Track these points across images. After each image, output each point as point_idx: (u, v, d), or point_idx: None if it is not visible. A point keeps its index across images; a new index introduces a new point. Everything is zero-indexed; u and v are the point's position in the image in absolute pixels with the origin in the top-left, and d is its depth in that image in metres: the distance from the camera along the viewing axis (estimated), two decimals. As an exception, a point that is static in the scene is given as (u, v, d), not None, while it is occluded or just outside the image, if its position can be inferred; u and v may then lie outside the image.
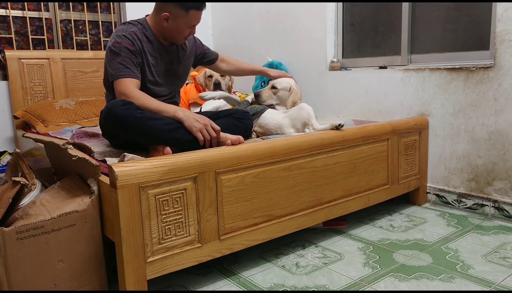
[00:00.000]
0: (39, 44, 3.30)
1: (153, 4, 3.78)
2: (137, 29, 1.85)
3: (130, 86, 1.74)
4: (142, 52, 1.84)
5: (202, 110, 2.42)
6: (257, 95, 2.25)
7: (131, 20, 1.91)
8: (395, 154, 2.18)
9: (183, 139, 1.66)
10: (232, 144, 1.64)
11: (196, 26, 1.91)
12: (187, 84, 3.06)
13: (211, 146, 1.68)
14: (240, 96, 2.55)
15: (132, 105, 1.64)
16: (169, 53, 1.96)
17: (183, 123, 1.67)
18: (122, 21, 3.57)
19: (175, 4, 1.80)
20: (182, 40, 1.92)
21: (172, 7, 1.81)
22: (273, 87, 2.24)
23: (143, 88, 1.84)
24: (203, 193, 1.47)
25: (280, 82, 2.24)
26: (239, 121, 1.96)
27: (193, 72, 3.08)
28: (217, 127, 1.70)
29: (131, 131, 1.62)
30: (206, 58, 2.26)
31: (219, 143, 1.70)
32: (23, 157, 1.60)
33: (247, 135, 1.99)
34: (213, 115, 2.02)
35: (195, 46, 2.16)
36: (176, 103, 2.08)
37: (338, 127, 1.92)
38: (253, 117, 2.10)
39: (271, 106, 2.22)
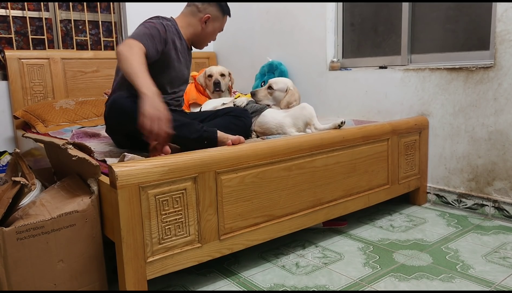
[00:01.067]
0: (39, 44, 3.30)
1: (153, 5, 3.77)
2: (171, 24, 1.91)
3: (134, 42, 1.67)
4: (171, 44, 1.87)
5: (202, 110, 2.42)
6: (253, 94, 2.26)
7: (163, 16, 1.93)
8: (395, 154, 2.18)
9: (184, 137, 1.66)
10: (233, 144, 1.64)
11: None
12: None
13: (155, 151, 1.56)
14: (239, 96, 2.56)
15: (138, 99, 1.59)
16: (187, 56, 2.04)
17: (142, 102, 1.47)
18: (123, 21, 3.57)
19: (217, 7, 1.97)
20: (206, 44, 2.08)
21: (214, 10, 1.97)
22: (270, 87, 2.24)
23: (161, 79, 1.86)
24: (203, 193, 1.47)
25: (277, 83, 2.24)
26: (237, 119, 1.97)
27: (193, 73, 3.08)
28: (169, 130, 1.50)
29: (134, 124, 1.54)
30: None
31: (219, 143, 1.70)
32: (23, 157, 1.59)
33: (246, 134, 1.99)
34: (212, 114, 2.02)
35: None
36: (181, 105, 2.09)
37: (340, 125, 1.94)
38: (252, 116, 2.10)
39: (269, 106, 2.22)
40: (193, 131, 1.68)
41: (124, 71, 1.57)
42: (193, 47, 2.11)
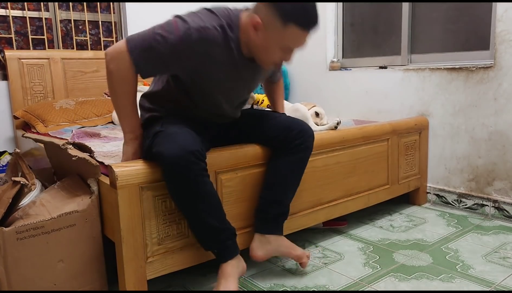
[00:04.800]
0: (39, 44, 3.29)
1: (153, 5, 3.75)
2: (218, 34, 1.30)
3: (125, 59, 1.29)
4: (200, 58, 1.32)
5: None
6: None
7: (223, 15, 1.33)
8: (395, 154, 2.17)
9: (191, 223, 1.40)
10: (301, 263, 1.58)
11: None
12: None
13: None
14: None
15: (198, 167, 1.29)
16: (246, 69, 1.43)
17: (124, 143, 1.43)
18: (123, 21, 3.56)
19: (272, 9, 1.25)
20: (268, 64, 1.40)
21: (267, 13, 1.27)
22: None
23: (190, 95, 1.44)
24: (203, 193, 1.47)
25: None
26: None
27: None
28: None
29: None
30: (272, 75, 1.75)
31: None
32: (23, 157, 1.59)
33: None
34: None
35: None
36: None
37: (336, 126, 1.92)
38: None
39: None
40: (207, 229, 1.36)
41: (112, 102, 1.39)
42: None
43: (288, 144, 1.54)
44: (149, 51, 1.28)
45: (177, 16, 1.30)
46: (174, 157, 1.24)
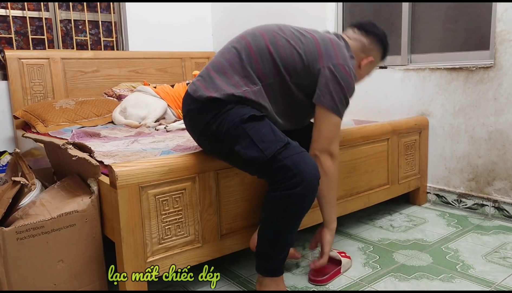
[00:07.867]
0: (39, 44, 3.30)
1: (153, 5, 3.74)
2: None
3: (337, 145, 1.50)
4: None
5: None
6: None
7: (346, 46, 1.54)
8: (395, 154, 2.17)
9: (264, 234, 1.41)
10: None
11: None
12: (187, 83, 3.06)
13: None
14: None
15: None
16: None
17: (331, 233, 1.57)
18: (123, 21, 3.56)
19: (381, 51, 1.65)
20: None
21: (379, 53, 1.65)
22: None
23: None
24: (203, 193, 1.47)
25: None
26: None
27: (195, 71, 3.07)
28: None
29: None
30: None
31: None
32: (23, 157, 1.59)
33: None
34: None
35: None
36: None
37: None
38: None
39: None
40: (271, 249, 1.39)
41: (332, 196, 1.53)
42: None
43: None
44: (344, 103, 1.48)
45: (350, 74, 1.47)
46: (316, 179, 1.33)
